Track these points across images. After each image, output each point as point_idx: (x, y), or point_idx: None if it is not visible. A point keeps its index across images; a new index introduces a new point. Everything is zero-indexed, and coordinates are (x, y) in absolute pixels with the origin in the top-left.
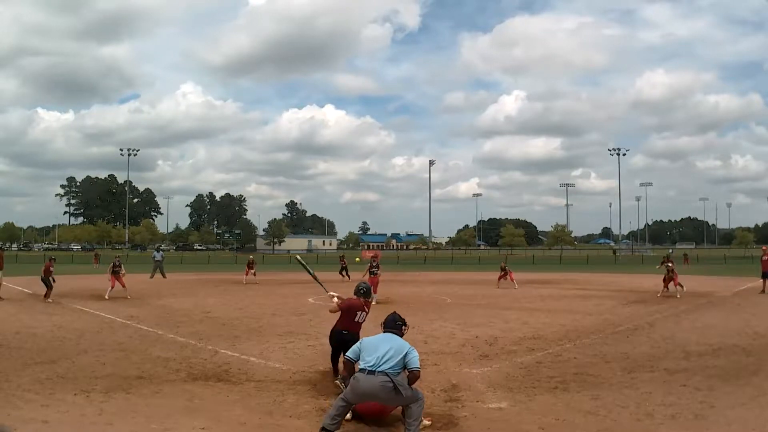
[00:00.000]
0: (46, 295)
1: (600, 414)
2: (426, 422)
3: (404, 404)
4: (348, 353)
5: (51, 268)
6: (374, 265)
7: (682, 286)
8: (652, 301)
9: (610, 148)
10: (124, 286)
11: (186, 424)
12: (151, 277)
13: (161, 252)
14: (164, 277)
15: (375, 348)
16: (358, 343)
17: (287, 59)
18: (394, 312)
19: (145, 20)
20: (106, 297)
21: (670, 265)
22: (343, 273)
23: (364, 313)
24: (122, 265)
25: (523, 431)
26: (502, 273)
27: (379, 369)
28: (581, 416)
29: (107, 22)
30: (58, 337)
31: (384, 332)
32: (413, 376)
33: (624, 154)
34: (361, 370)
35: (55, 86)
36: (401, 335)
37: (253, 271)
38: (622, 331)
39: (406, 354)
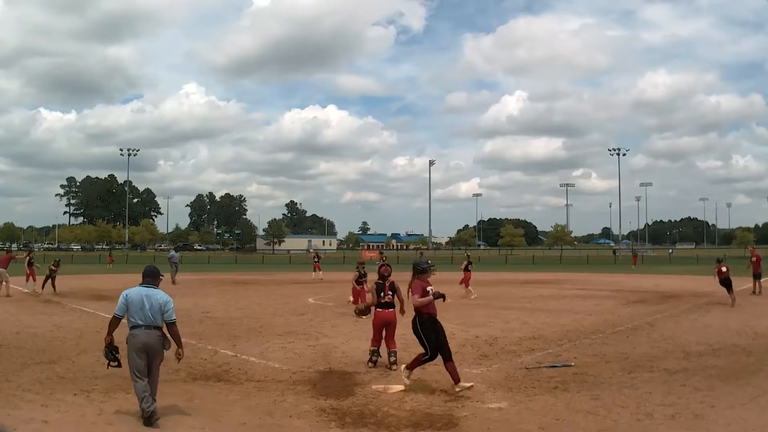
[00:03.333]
0: None
1: (600, 414)
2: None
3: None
4: (117, 310)
5: None
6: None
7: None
8: (652, 301)
9: (611, 148)
10: (35, 280)
11: (186, 424)
12: (173, 281)
13: (177, 253)
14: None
15: (141, 304)
16: (123, 298)
17: (290, 60)
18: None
19: (148, 21)
20: (26, 291)
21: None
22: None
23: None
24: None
25: (523, 431)
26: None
27: (153, 324)
28: (581, 416)
29: (111, 22)
30: (58, 337)
31: (143, 285)
32: (172, 330)
33: (624, 154)
34: (137, 326)
35: (59, 87)
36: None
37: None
38: (622, 331)
39: (163, 306)
